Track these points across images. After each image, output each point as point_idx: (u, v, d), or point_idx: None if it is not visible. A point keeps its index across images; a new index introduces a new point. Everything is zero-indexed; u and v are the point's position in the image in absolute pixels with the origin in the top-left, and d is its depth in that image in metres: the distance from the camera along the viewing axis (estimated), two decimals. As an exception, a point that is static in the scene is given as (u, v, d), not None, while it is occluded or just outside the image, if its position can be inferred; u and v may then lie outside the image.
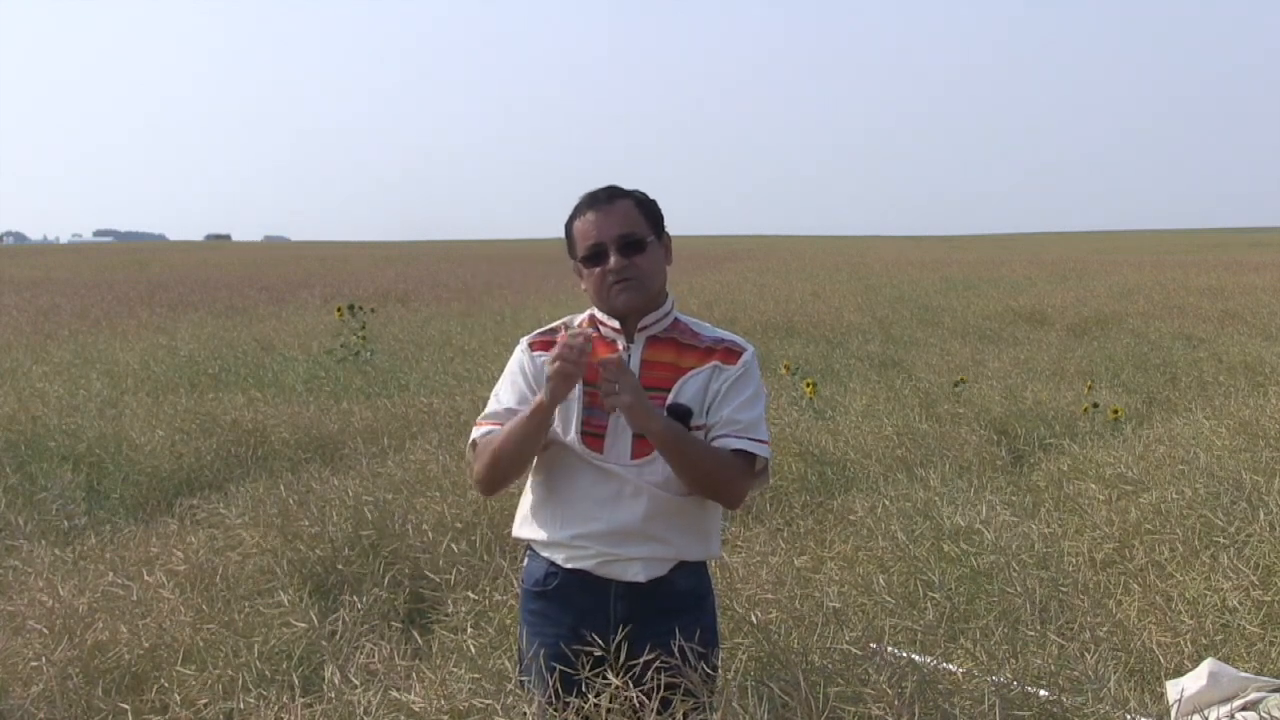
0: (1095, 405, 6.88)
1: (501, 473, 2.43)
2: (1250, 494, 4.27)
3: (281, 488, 4.80)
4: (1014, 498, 4.89)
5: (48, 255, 54.98)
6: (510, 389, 2.48)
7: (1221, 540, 3.86)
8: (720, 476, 2.36)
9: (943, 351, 10.54)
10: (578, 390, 2.38)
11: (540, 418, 2.32)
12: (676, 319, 2.47)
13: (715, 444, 2.37)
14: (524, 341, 2.51)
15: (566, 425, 2.41)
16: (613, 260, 2.36)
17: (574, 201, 2.46)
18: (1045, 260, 32.49)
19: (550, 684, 2.36)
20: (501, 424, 2.43)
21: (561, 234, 2.47)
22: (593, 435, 2.39)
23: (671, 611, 2.38)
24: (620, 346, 2.40)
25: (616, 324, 2.42)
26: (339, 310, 10.53)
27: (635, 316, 2.42)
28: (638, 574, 2.36)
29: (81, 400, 7.62)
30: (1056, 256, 37.23)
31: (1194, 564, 3.76)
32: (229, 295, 19.49)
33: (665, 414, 2.34)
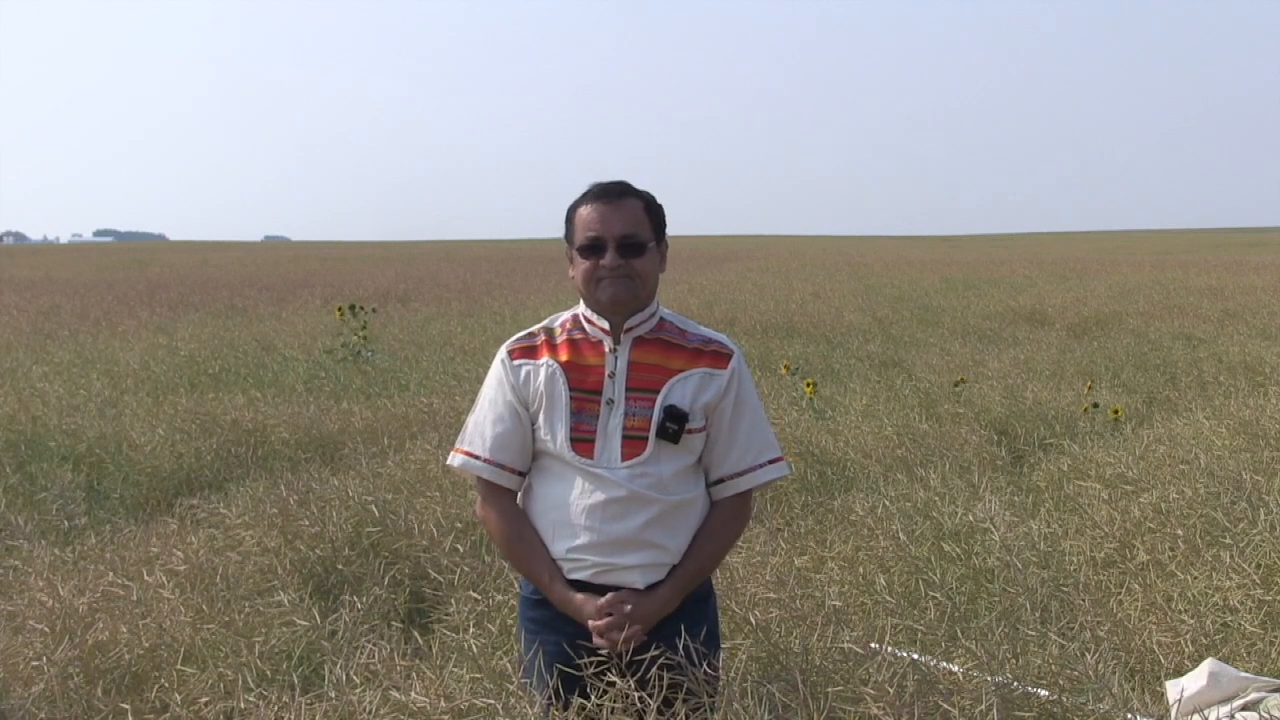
0: (1095, 405, 6.89)
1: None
2: (1250, 494, 4.27)
3: (281, 488, 4.79)
4: (1014, 498, 4.89)
5: (48, 255, 54.99)
6: (490, 410, 2.42)
7: (1224, 540, 3.86)
8: (734, 542, 2.55)
9: (943, 351, 10.54)
10: (564, 397, 2.36)
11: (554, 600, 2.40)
12: (662, 318, 2.43)
13: (729, 486, 2.43)
14: (503, 351, 2.45)
15: (554, 433, 2.37)
16: (608, 258, 2.33)
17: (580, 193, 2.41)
18: (1045, 260, 32.48)
19: (551, 685, 2.35)
20: (478, 457, 2.42)
21: (563, 232, 2.43)
22: (582, 441, 2.36)
23: (672, 614, 2.37)
24: (607, 349, 2.38)
25: (605, 325, 2.39)
26: (339, 310, 10.53)
27: (621, 318, 2.38)
28: (635, 581, 2.35)
29: (81, 400, 7.62)
30: (1056, 256, 37.23)
31: (1195, 564, 3.76)
32: (229, 295, 19.48)
33: (662, 417, 2.34)
